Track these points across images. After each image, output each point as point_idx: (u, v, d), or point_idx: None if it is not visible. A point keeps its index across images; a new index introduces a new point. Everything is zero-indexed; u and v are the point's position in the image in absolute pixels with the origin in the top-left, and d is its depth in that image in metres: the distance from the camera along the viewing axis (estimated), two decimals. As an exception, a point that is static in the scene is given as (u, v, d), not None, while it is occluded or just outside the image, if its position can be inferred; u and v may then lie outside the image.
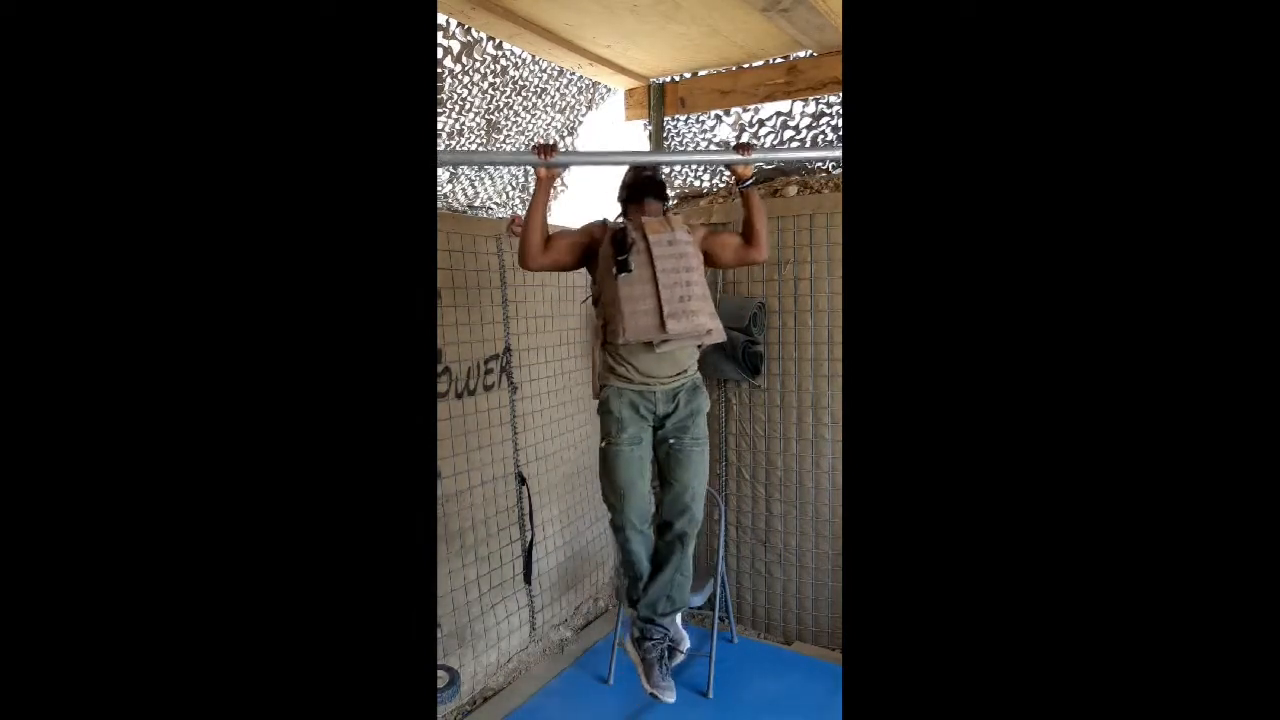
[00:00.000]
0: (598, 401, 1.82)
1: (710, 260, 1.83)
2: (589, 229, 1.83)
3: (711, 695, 2.28)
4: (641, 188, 1.85)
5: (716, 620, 2.44)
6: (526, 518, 2.45)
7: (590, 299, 1.87)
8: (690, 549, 1.85)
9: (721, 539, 2.55)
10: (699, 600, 2.38)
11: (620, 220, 1.83)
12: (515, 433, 2.41)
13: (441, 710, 2.06)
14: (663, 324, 1.66)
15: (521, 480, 2.43)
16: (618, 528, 1.84)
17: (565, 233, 1.82)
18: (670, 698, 1.82)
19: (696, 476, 1.80)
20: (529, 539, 2.43)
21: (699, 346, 1.82)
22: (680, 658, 1.90)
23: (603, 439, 1.81)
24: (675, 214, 1.82)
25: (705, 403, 1.84)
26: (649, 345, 1.71)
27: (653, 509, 1.86)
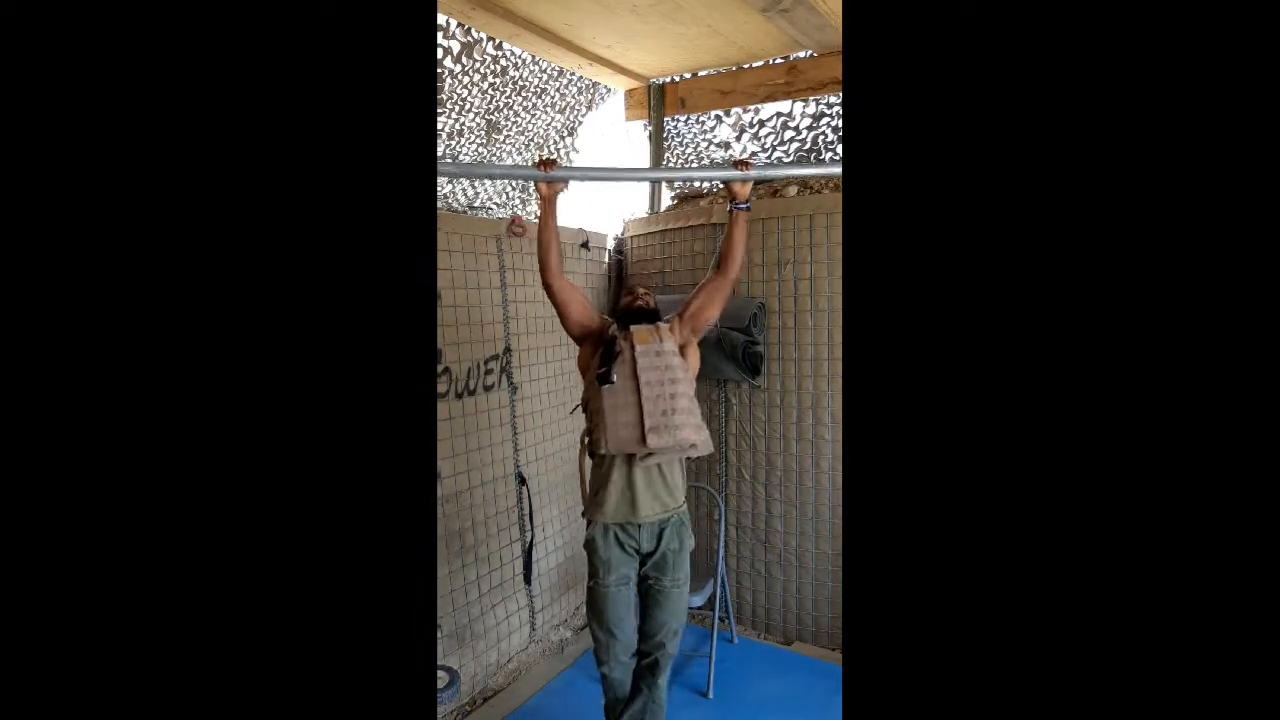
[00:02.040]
0: (584, 539, 1.83)
1: (703, 321, 1.82)
2: (603, 320, 1.84)
3: (711, 695, 2.28)
4: (634, 317, 1.82)
5: (716, 620, 2.44)
6: (526, 518, 2.45)
7: (580, 405, 1.87)
8: (663, 680, 1.86)
9: (721, 539, 2.55)
10: (699, 600, 2.38)
11: (614, 326, 1.82)
12: (515, 433, 2.42)
13: (441, 710, 2.06)
14: (643, 437, 1.64)
15: (521, 480, 2.43)
16: (602, 661, 1.85)
17: (589, 305, 1.84)
18: None
19: (674, 616, 1.81)
20: (529, 539, 2.43)
21: (681, 481, 1.81)
22: None
23: (590, 578, 1.82)
24: (666, 325, 1.80)
25: (690, 540, 1.82)
26: (631, 459, 1.70)
27: (637, 643, 1.87)
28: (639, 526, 1.75)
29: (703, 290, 1.83)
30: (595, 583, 1.79)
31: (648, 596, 1.82)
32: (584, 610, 2.82)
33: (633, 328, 1.76)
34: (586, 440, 1.78)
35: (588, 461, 1.82)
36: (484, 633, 2.31)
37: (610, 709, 1.92)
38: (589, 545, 1.80)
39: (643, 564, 1.80)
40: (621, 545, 1.77)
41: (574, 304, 1.79)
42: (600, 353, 1.75)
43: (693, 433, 1.68)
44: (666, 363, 1.71)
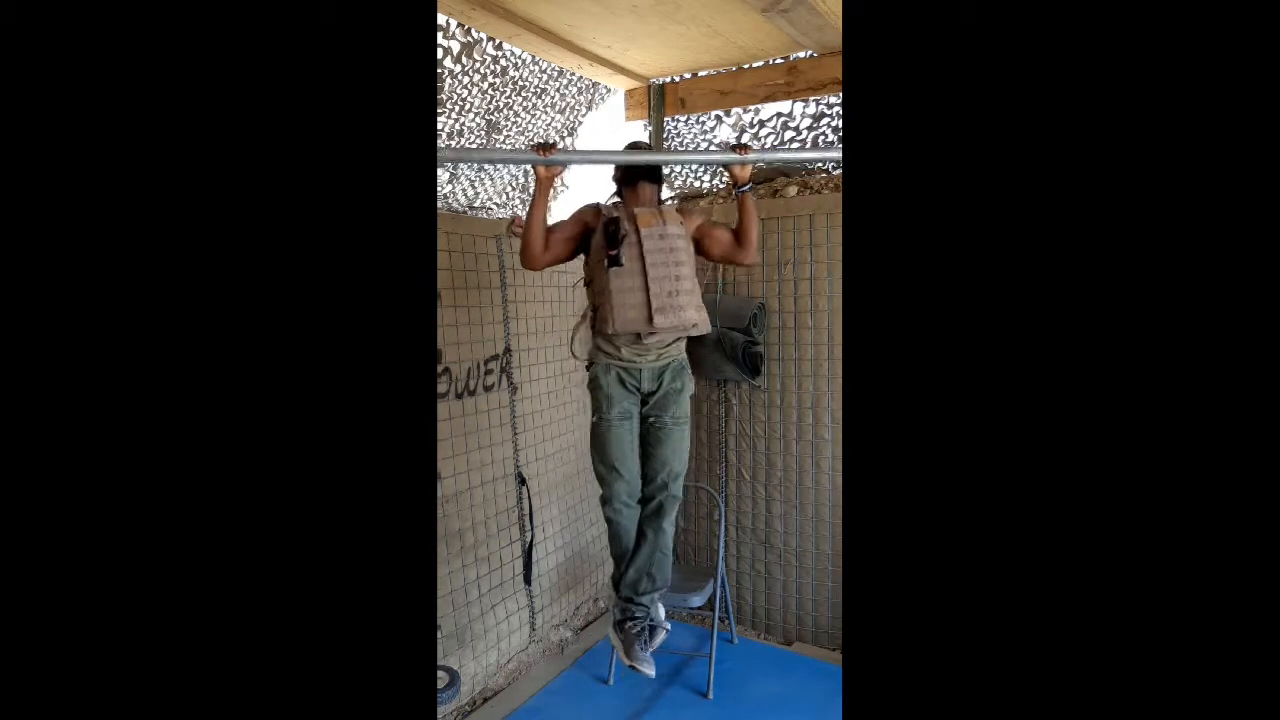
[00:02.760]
0: (587, 377, 1.87)
1: (700, 250, 1.86)
2: (581, 216, 1.85)
3: (711, 696, 2.28)
4: (635, 168, 1.86)
5: (716, 620, 2.44)
6: (526, 518, 2.45)
7: (583, 281, 1.90)
8: (668, 527, 1.88)
9: (721, 539, 2.55)
10: (699, 600, 2.38)
11: (613, 207, 1.85)
12: (515, 433, 2.41)
13: (441, 710, 2.06)
14: (650, 318, 1.70)
15: (521, 480, 2.43)
16: (606, 500, 1.87)
17: (559, 226, 1.84)
18: (650, 671, 1.85)
19: (676, 454, 1.84)
20: (529, 539, 2.43)
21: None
22: (662, 637, 1.92)
23: (593, 414, 1.86)
24: (669, 205, 1.83)
25: (689, 383, 1.87)
26: (636, 335, 1.75)
27: (640, 485, 1.90)
28: (640, 369, 1.80)
29: (721, 240, 1.86)
30: (598, 418, 1.84)
31: (650, 436, 1.85)
32: (584, 610, 2.83)
33: (636, 210, 1.79)
34: (590, 316, 1.83)
35: (585, 331, 1.86)
36: (484, 633, 2.31)
37: (618, 560, 1.94)
38: (592, 383, 1.84)
39: (644, 403, 1.84)
40: (623, 383, 1.81)
41: (562, 245, 1.82)
42: (605, 236, 1.76)
43: (695, 313, 1.76)
44: (671, 244, 1.75)
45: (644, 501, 1.89)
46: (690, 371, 1.89)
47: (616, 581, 1.94)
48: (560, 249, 1.82)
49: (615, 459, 1.82)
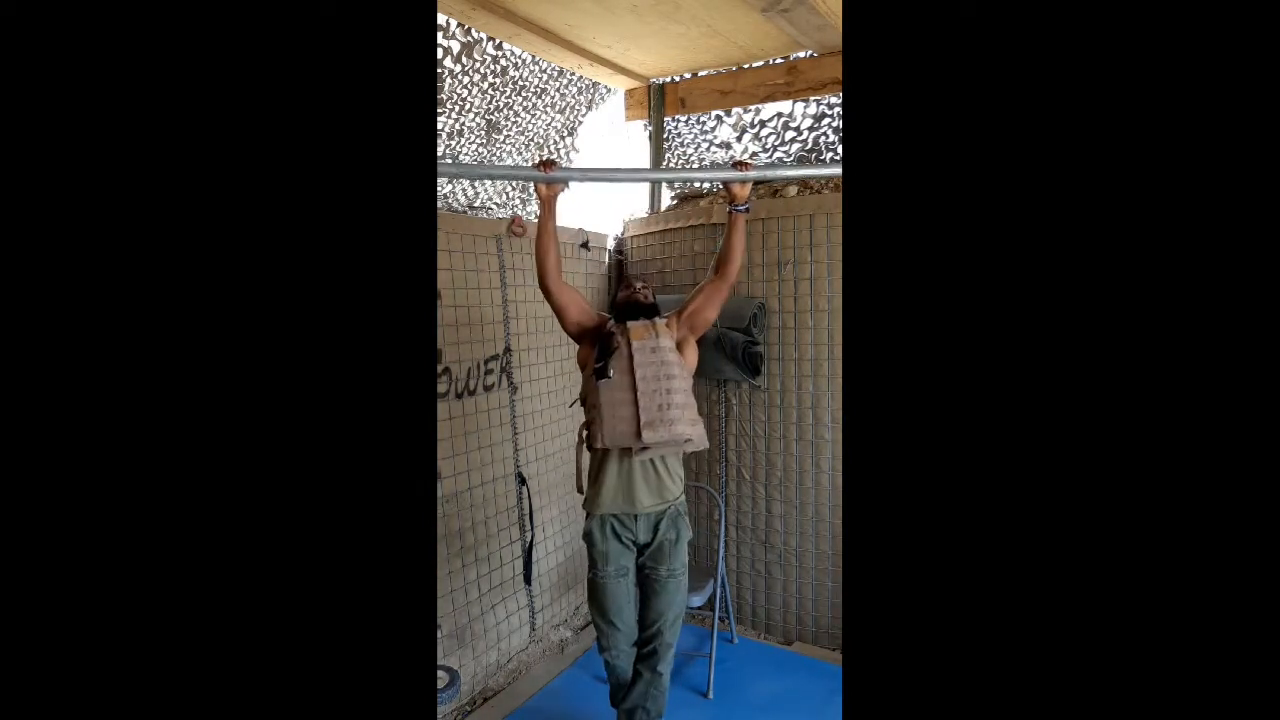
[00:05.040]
0: (583, 530, 1.86)
1: (701, 321, 1.83)
2: (601, 317, 1.86)
3: (711, 695, 2.28)
4: (630, 310, 1.83)
5: (716, 620, 2.44)
6: (526, 518, 2.45)
7: (579, 399, 1.89)
8: (664, 669, 1.89)
9: (721, 539, 2.55)
10: (699, 600, 2.38)
11: (611, 322, 1.83)
12: (515, 433, 2.41)
13: (441, 710, 2.06)
14: (639, 432, 1.67)
15: (522, 480, 2.43)
16: (604, 648, 1.89)
17: (586, 305, 1.85)
18: None
19: (671, 606, 1.83)
20: (529, 539, 2.43)
21: (680, 473, 1.84)
22: None
23: (590, 569, 1.85)
24: (663, 320, 1.81)
25: (686, 531, 1.84)
26: (628, 452, 1.72)
27: (638, 631, 1.90)
28: (635, 518, 1.78)
29: (702, 291, 1.84)
30: (594, 574, 1.83)
31: (646, 586, 1.85)
32: (584, 609, 2.83)
33: (629, 324, 1.77)
34: (584, 434, 1.80)
35: (586, 455, 1.83)
36: (484, 633, 2.31)
37: (614, 693, 1.97)
38: (587, 537, 1.83)
39: (640, 554, 1.83)
40: (618, 537, 1.80)
41: (572, 306, 1.81)
42: (597, 348, 1.76)
43: (688, 427, 1.70)
44: (662, 358, 1.72)
45: (640, 642, 1.89)
46: (688, 520, 1.86)
47: (616, 702, 1.97)
48: (570, 311, 1.80)
49: (612, 614, 1.82)
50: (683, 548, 1.83)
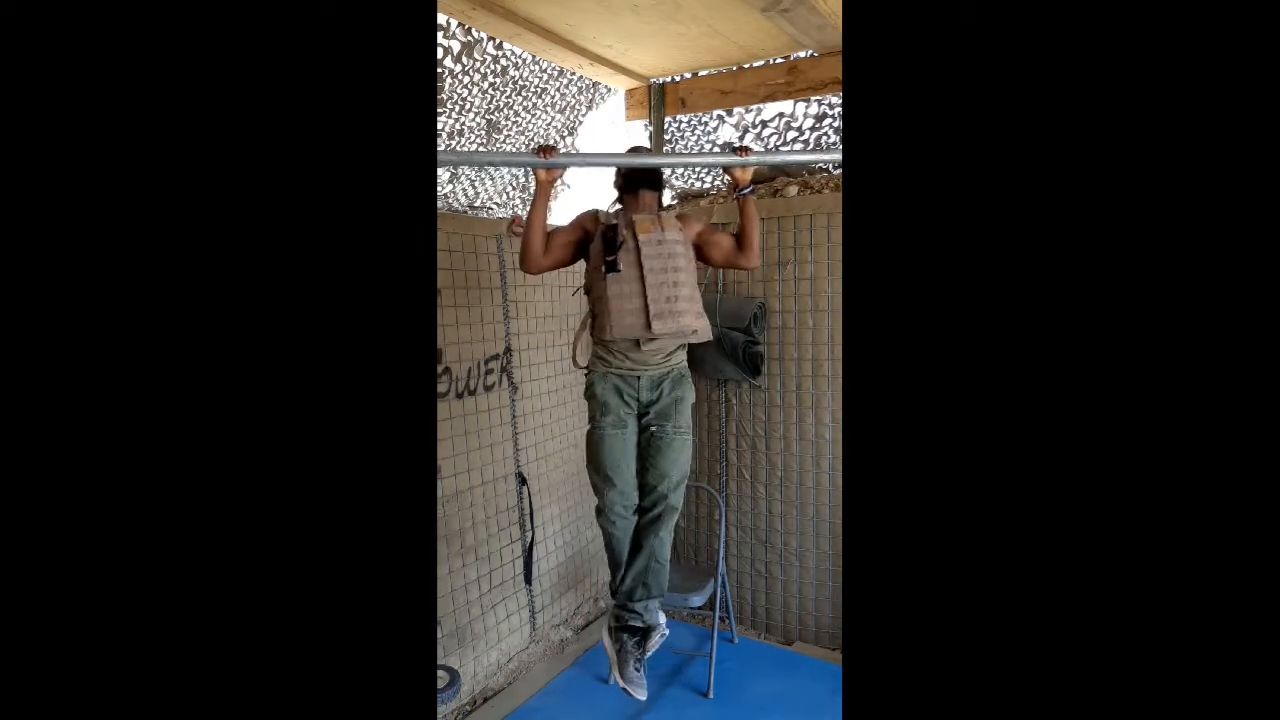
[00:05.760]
0: (584, 385, 1.86)
1: (701, 255, 1.85)
2: (580, 222, 1.85)
3: (711, 695, 2.28)
4: (637, 177, 1.85)
5: (717, 620, 2.44)
6: (527, 518, 2.45)
7: (583, 288, 1.90)
8: (665, 536, 1.86)
9: (721, 539, 2.55)
10: (699, 600, 2.38)
11: (613, 213, 1.85)
12: (515, 433, 2.41)
13: (441, 710, 2.06)
14: (648, 323, 1.69)
15: (522, 480, 2.43)
16: (600, 511, 1.86)
17: (559, 230, 1.84)
18: (641, 695, 1.83)
19: (675, 465, 1.82)
20: (529, 539, 2.43)
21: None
22: (658, 640, 1.90)
23: (589, 422, 1.85)
24: (669, 211, 1.83)
25: (690, 393, 1.86)
26: (635, 342, 1.75)
27: (637, 496, 1.88)
28: (638, 378, 1.79)
29: (722, 244, 1.85)
30: (592, 426, 1.83)
31: (649, 446, 1.83)
32: (584, 609, 2.83)
33: (635, 217, 1.78)
34: (589, 323, 1.82)
35: (586, 338, 1.85)
36: (484, 633, 2.31)
37: (614, 571, 1.92)
38: (588, 391, 1.84)
39: (644, 414, 1.83)
40: (620, 392, 1.80)
41: (562, 250, 1.81)
42: (603, 241, 1.76)
43: (694, 319, 1.74)
44: (670, 250, 1.74)
45: (642, 511, 1.86)
46: (691, 382, 1.88)
47: (613, 588, 1.93)
48: (559, 254, 1.82)
49: (609, 467, 1.80)
50: (687, 407, 1.84)
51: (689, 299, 1.74)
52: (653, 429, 1.82)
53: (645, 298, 1.70)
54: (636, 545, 1.88)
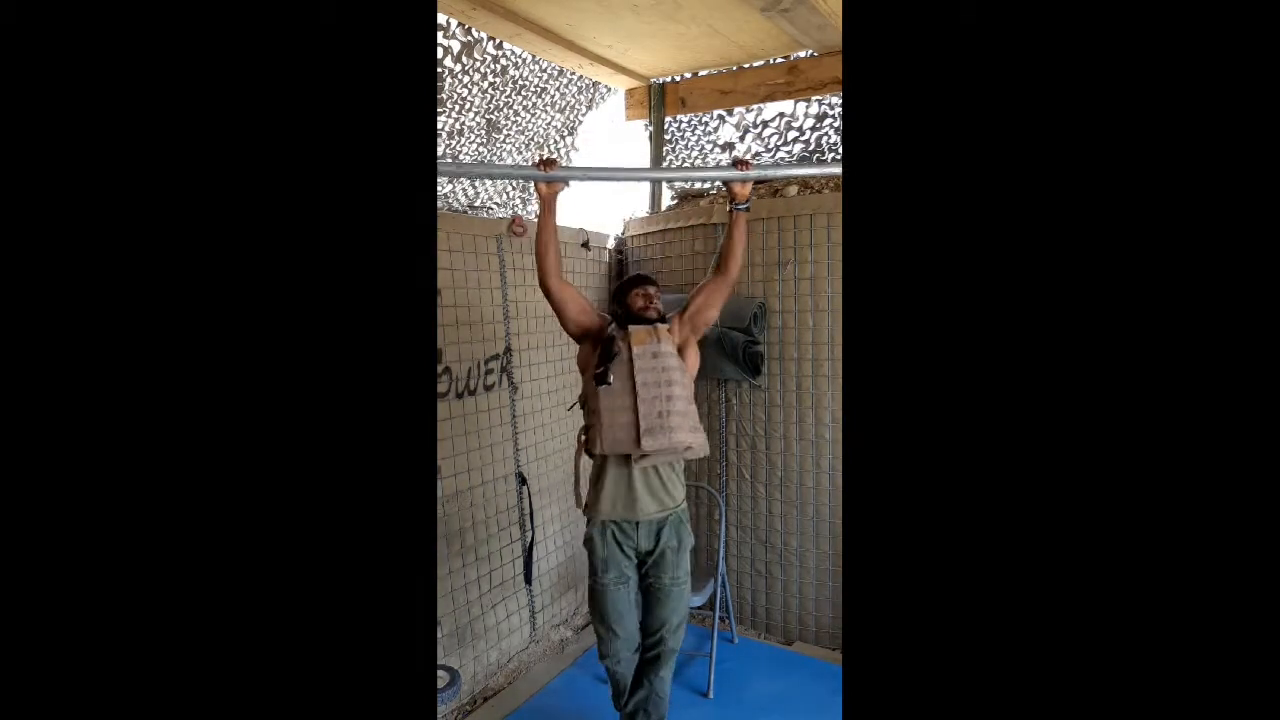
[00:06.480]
0: (584, 536, 1.85)
1: (703, 321, 1.82)
2: (602, 316, 1.83)
3: (711, 695, 2.28)
4: (638, 319, 1.80)
5: (716, 620, 2.44)
6: (527, 518, 2.45)
7: (578, 401, 1.87)
8: (666, 674, 1.88)
9: (721, 539, 2.55)
10: (699, 600, 2.38)
11: (613, 325, 1.81)
12: (515, 433, 2.41)
13: (441, 710, 2.06)
14: (638, 439, 1.65)
15: (522, 480, 2.43)
16: (604, 655, 1.88)
17: (587, 304, 1.82)
18: None
19: (675, 613, 1.82)
20: (529, 539, 2.43)
21: (681, 478, 1.83)
22: None
23: (590, 575, 1.84)
24: (664, 325, 1.79)
25: (689, 540, 1.83)
26: (628, 459, 1.71)
27: (639, 638, 1.89)
28: (636, 525, 1.77)
29: (703, 290, 1.82)
30: (594, 580, 1.82)
31: (649, 594, 1.83)
32: (584, 609, 2.83)
33: (630, 328, 1.76)
34: (583, 438, 1.79)
35: (585, 460, 1.82)
36: (484, 633, 2.31)
37: (616, 697, 1.96)
38: (588, 543, 1.82)
39: (642, 563, 1.81)
40: (619, 544, 1.78)
41: (571, 304, 1.79)
42: (598, 352, 1.75)
43: (688, 435, 1.69)
44: (663, 364, 1.71)
45: (643, 648, 1.88)
46: (689, 527, 1.84)
47: (618, 707, 1.96)
48: (571, 311, 1.77)
49: (612, 620, 1.81)
50: (685, 555, 1.82)
51: (682, 413, 1.69)
52: (650, 579, 1.82)
53: (637, 412, 1.66)
54: (638, 680, 1.90)
